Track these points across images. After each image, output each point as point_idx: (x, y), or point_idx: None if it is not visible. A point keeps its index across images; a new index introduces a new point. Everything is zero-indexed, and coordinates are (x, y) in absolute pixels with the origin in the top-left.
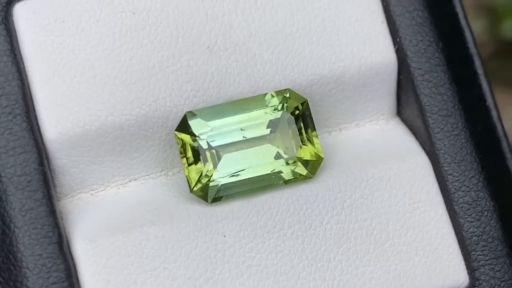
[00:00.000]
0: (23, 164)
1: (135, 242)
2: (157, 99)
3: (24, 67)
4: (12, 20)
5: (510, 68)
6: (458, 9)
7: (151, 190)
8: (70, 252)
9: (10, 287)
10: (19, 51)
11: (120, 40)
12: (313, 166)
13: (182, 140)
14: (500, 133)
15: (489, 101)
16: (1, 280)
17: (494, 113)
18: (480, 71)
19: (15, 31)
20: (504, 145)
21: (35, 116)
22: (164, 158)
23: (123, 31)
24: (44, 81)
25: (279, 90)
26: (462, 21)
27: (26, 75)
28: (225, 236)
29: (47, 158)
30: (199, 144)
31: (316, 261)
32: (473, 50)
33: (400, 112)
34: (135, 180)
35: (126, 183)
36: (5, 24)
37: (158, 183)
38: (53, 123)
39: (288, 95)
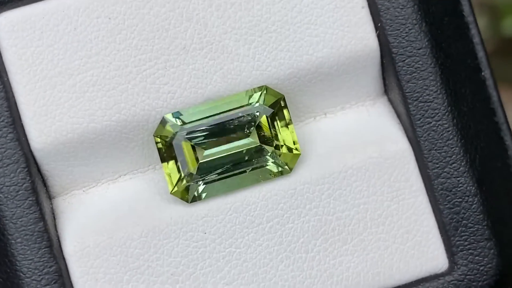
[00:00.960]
0: (11, 175)
1: (120, 243)
2: (136, 103)
3: (8, 79)
4: None
5: (511, 65)
6: None
7: (137, 186)
8: (61, 253)
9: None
10: (2, 63)
11: (97, 46)
12: (291, 161)
13: (160, 142)
14: (495, 104)
15: (486, 71)
16: (1, 280)
17: (489, 82)
18: (476, 39)
19: None
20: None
21: (22, 127)
22: (150, 154)
23: (99, 37)
24: (27, 92)
25: (256, 87)
26: None
27: (10, 87)
28: (205, 233)
29: (36, 164)
30: (177, 146)
31: (294, 253)
32: (469, 18)
33: (387, 92)
34: (124, 175)
35: (115, 179)
36: None
37: (146, 177)
38: (38, 133)
39: (265, 92)
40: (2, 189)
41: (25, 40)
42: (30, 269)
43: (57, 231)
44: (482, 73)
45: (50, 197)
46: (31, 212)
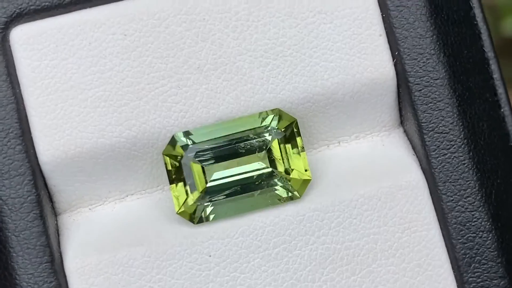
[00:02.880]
0: (17, 187)
1: (122, 262)
2: (147, 121)
3: (19, 91)
4: (9, 46)
5: (511, 66)
6: (476, 11)
7: (144, 206)
8: (63, 269)
9: None
10: (15, 75)
11: (111, 62)
12: (301, 186)
13: (169, 161)
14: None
15: (505, 108)
16: None
17: (509, 120)
18: (496, 75)
19: (11, 56)
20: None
21: (31, 139)
22: (159, 174)
23: (114, 54)
24: (38, 104)
25: (269, 110)
26: (480, 24)
27: (22, 99)
28: (210, 256)
29: (43, 178)
30: (186, 165)
31: (300, 282)
32: (489, 53)
33: (403, 123)
34: (132, 195)
35: (123, 198)
36: (1, 50)
37: (154, 198)
38: (46, 146)
39: (277, 115)
40: (7, 201)
41: (39, 53)
42: (29, 284)
43: (60, 247)
44: (502, 110)
45: (56, 214)
46: (34, 225)
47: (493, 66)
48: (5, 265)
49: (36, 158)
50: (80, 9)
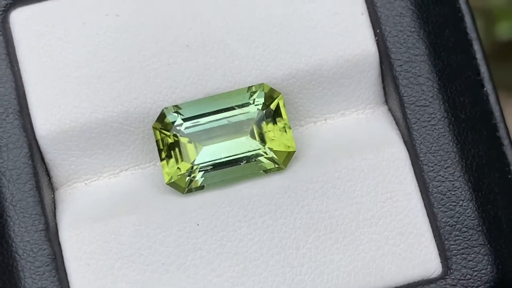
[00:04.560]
0: (14, 159)
1: (113, 230)
2: (138, 96)
3: (18, 69)
4: (9, 27)
5: (505, 70)
6: None
7: (137, 180)
8: (57, 238)
9: (4, 270)
10: (14, 55)
11: (104, 41)
12: (286, 158)
13: (159, 133)
14: (498, 119)
15: (488, 87)
16: None
17: (492, 98)
18: (479, 55)
19: (11, 37)
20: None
21: (29, 115)
22: (151, 149)
23: (107, 33)
24: (36, 82)
25: (255, 85)
26: (463, 6)
27: (20, 77)
28: (198, 225)
29: (40, 153)
30: (175, 137)
31: (284, 249)
32: (472, 34)
33: (387, 101)
34: (126, 170)
35: (117, 173)
36: (1, 31)
37: (146, 172)
38: (42, 121)
39: (263, 90)
40: (5, 172)
41: (37, 34)
42: (25, 251)
43: (55, 219)
44: (484, 89)
45: (53, 188)
46: (30, 195)
47: (476, 47)
48: (2, 233)
49: (34, 132)
50: None
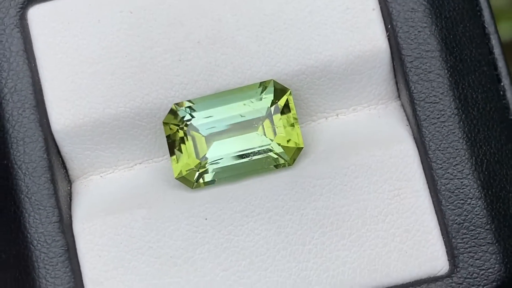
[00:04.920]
0: (30, 153)
1: (124, 223)
2: (149, 92)
3: (35, 65)
4: (26, 23)
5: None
6: None
7: (149, 174)
8: (71, 230)
9: (19, 260)
10: (32, 51)
11: (118, 38)
12: (294, 154)
13: (169, 129)
14: None
15: (505, 81)
16: (15, 252)
17: (509, 94)
18: (497, 50)
19: (29, 33)
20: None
21: (45, 109)
22: (163, 144)
23: (121, 30)
24: (51, 77)
25: (264, 81)
26: (481, 0)
27: (37, 72)
28: (206, 219)
29: (56, 146)
30: (185, 132)
31: (291, 245)
32: (490, 28)
33: (399, 96)
34: (140, 163)
35: (131, 167)
36: (19, 27)
37: (159, 166)
38: (58, 116)
39: (272, 86)
40: (21, 165)
41: (53, 30)
42: (39, 242)
43: (70, 211)
44: (502, 84)
45: (70, 180)
46: (45, 188)
47: (494, 41)
48: (18, 224)
49: (49, 127)
50: None
